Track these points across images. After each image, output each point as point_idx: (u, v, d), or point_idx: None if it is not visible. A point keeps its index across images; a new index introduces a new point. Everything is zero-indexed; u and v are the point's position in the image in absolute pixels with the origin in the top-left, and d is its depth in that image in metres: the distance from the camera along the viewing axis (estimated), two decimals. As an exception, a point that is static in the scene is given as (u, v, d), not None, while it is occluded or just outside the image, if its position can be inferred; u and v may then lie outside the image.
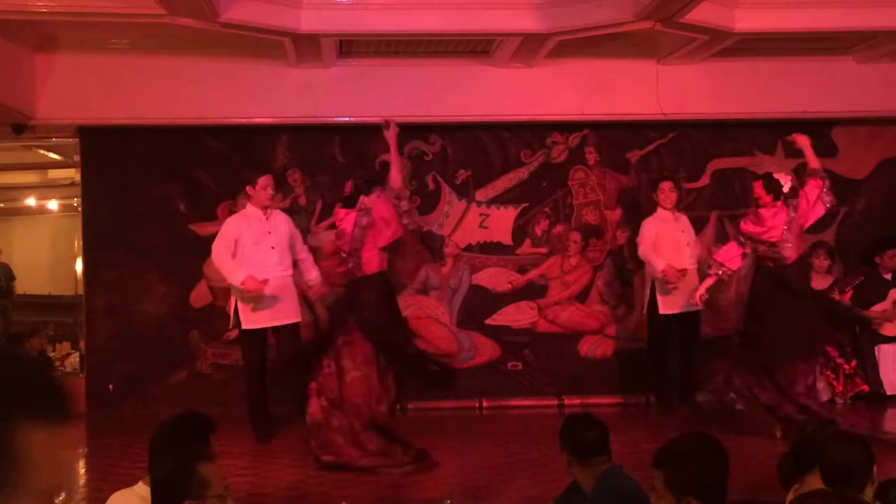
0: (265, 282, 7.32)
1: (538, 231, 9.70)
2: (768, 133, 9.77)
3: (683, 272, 8.36)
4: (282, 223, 7.73)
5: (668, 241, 8.57)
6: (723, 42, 8.39)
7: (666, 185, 8.73)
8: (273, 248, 7.58)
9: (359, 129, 9.43)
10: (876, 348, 9.21)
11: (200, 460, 3.26)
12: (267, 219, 7.65)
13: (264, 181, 7.68)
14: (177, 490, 3.18)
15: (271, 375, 7.77)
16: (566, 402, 9.29)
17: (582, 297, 9.68)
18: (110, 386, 9.24)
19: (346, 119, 9.30)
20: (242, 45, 8.42)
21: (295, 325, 7.71)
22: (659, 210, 8.72)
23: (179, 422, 3.92)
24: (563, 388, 9.51)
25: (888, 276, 9.37)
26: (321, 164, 9.55)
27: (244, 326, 7.55)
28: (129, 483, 3.97)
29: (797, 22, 8.10)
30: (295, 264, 7.80)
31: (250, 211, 7.68)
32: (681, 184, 8.94)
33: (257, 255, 7.51)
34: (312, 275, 7.80)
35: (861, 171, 9.91)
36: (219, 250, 7.53)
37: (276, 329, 7.61)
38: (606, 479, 4.00)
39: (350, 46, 8.74)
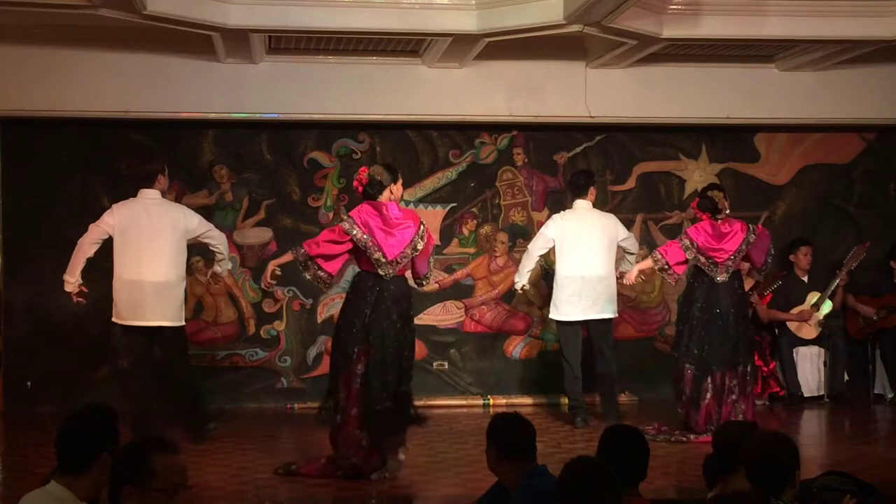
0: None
1: (465, 231, 9.73)
2: (693, 138, 9.95)
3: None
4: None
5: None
6: (650, 47, 8.49)
7: None
8: None
9: (287, 125, 9.38)
10: (794, 351, 9.41)
11: (156, 449, 3.19)
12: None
13: None
14: (121, 473, 3.12)
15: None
16: (491, 401, 9.35)
17: (508, 297, 9.73)
18: (28, 383, 9.07)
19: (275, 116, 9.21)
20: (170, 39, 8.29)
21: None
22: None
23: (90, 414, 3.74)
24: (488, 387, 9.57)
25: (805, 279, 9.57)
26: (248, 161, 9.47)
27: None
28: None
29: (722, 29, 8.21)
30: None
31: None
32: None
33: None
34: None
35: (782, 177, 10.11)
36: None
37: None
38: (532, 478, 4.02)
39: (279, 42, 8.66)
